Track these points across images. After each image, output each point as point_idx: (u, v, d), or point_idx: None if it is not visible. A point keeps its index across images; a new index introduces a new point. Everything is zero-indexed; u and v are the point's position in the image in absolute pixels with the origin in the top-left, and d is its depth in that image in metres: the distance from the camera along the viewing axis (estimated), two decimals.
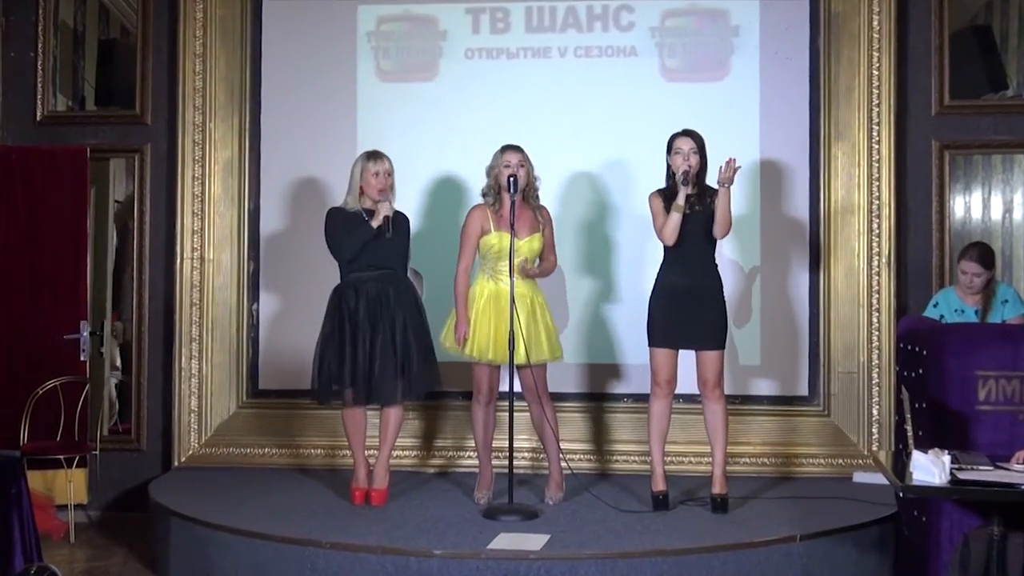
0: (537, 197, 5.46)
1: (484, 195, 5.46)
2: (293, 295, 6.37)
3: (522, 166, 5.36)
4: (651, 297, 5.38)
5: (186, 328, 6.33)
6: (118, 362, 6.78)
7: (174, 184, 6.38)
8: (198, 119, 6.35)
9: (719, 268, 5.36)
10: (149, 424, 6.44)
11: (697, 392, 5.49)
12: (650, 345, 5.35)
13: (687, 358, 5.36)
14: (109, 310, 6.72)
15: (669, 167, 5.32)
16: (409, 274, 5.54)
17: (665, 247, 5.33)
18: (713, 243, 5.33)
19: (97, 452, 6.23)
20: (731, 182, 5.16)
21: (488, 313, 5.38)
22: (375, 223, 5.33)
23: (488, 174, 5.43)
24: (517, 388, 5.41)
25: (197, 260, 6.34)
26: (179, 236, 6.34)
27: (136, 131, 6.48)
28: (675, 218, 5.24)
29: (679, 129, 5.33)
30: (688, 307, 5.25)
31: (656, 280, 5.39)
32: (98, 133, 6.50)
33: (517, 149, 5.40)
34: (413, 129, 6.31)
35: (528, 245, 5.38)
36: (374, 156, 5.42)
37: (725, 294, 5.36)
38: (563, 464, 5.54)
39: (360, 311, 5.35)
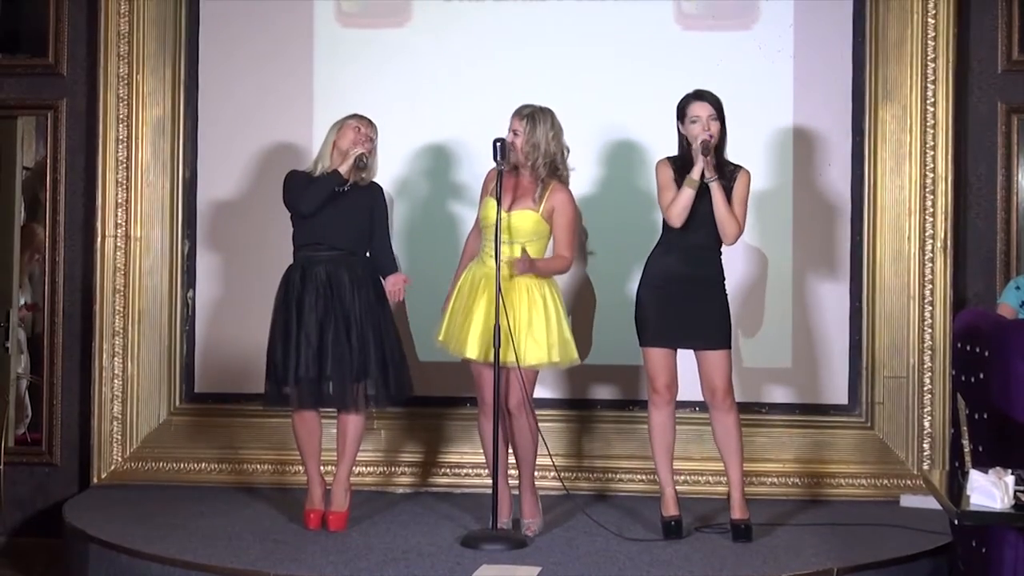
0: (554, 172, 5.36)
1: None
2: (237, 281, 6.38)
3: (517, 135, 5.34)
4: (640, 286, 5.39)
5: (108, 319, 6.32)
6: (22, 365, 6.75)
7: (94, 148, 6.37)
8: (123, 70, 6.34)
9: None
10: (63, 434, 6.44)
11: None
12: (642, 345, 5.37)
13: (687, 358, 5.37)
14: (16, 297, 6.70)
15: (682, 137, 5.33)
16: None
17: (664, 226, 5.35)
18: None
19: (1, 466, 6.21)
20: (712, 174, 5.16)
21: (462, 298, 5.39)
22: (344, 167, 5.38)
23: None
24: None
25: (121, 238, 6.34)
26: (100, 210, 6.33)
27: (49, 84, 6.47)
28: (687, 195, 5.23)
29: (690, 91, 5.31)
30: (686, 299, 5.27)
31: (648, 264, 5.39)
32: (2, 86, 6.50)
33: (518, 112, 5.37)
34: (381, 85, 6.31)
35: (514, 220, 5.33)
36: (358, 115, 5.53)
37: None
38: (560, 487, 5.53)
39: (307, 298, 5.37)
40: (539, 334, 5.32)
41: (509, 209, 5.35)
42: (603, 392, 6.30)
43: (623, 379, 6.27)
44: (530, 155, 5.35)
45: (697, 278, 5.29)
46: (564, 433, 6.17)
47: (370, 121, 5.53)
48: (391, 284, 5.50)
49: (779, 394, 6.21)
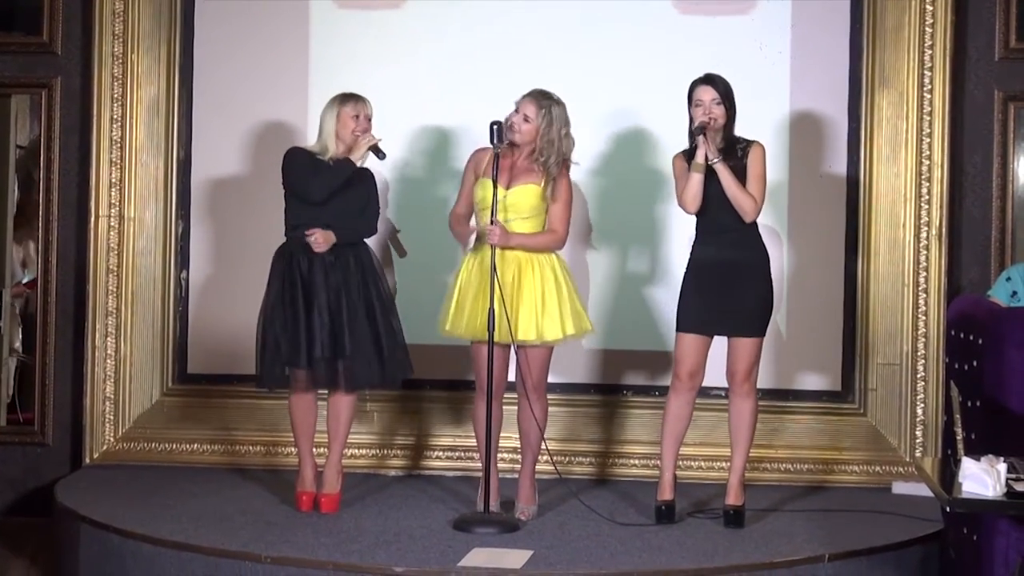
0: (557, 163, 5.31)
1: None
2: (230, 261, 6.37)
3: (527, 121, 5.30)
4: (685, 272, 5.39)
5: (101, 300, 6.31)
6: (19, 341, 6.76)
7: (88, 127, 6.35)
8: (118, 49, 6.32)
9: (763, 238, 5.36)
10: (55, 413, 6.43)
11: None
12: (677, 330, 5.36)
13: (718, 351, 5.37)
14: (9, 277, 6.70)
15: (692, 121, 5.32)
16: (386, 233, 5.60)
17: (697, 216, 5.32)
18: None
19: None
20: (715, 155, 5.17)
21: (472, 282, 5.35)
22: (356, 155, 5.37)
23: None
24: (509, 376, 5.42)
25: (115, 218, 6.33)
26: (94, 189, 6.32)
27: (43, 62, 6.44)
28: (695, 180, 5.22)
29: (700, 75, 5.30)
30: (721, 285, 5.25)
31: (690, 251, 5.39)
32: None
33: (535, 98, 5.31)
34: (377, 66, 6.30)
35: (513, 197, 5.32)
36: (351, 97, 5.46)
37: None
38: (553, 471, 5.54)
39: (317, 278, 5.35)
40: (552, 309, 5.31)
41: (508, 187, 5.32)
42: (600, 376, 6.29)
43: (620, 364, 6.26)
44: (544, 150, 5.31)
45: (732, 262, 5.27)
46: (559, 417, 6.13)
47: (365, 101, 5.48)
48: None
49: (772, 380, 6.18)
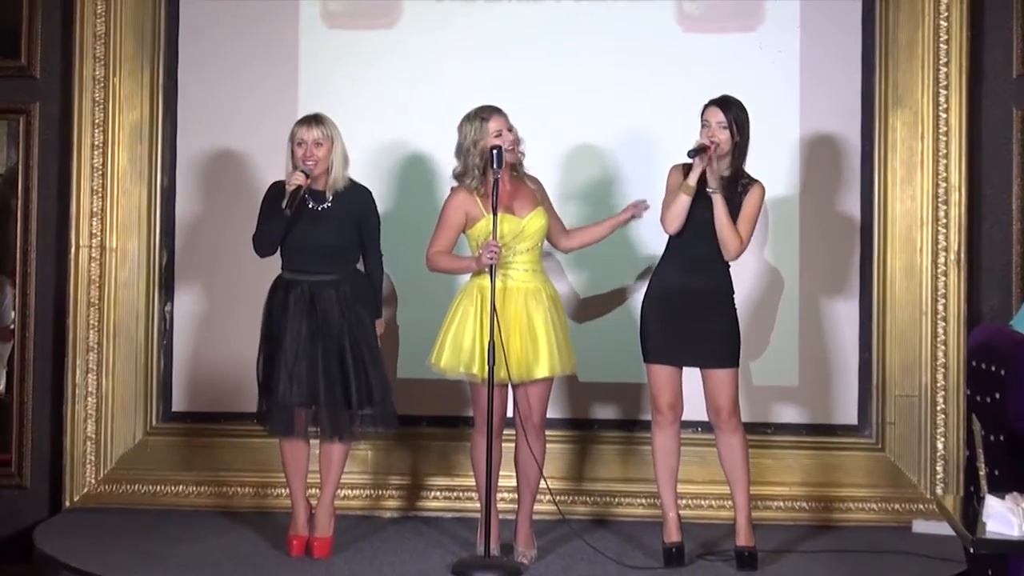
0: (522, 164, 5.44)
1: (459, 176, 5.36)
2: (216, 294, 6.37)
3: (510, 130, 5.32)
4: (644, 299, 5.38)
5: (81, 334, 6.29)
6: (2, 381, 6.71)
7: (68, 154, 6.34)
8: (99, 73, 6.33)
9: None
10: (34, 454, 6.40)
11: None
12: (645, 361, 5.35)
13: (693, 376, 5.34)
14: None
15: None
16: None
17: (669, 237, 5.31)
18: None
19: None
20: (714, 185, 5.15)
21: (475, 318, 5.27)
22: (286, 202, 5.30)
23: (468, 151, 5.30)
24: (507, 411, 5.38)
25: (96, 249, 6.32)
26: (74, 219, 6.31)
27: (21, 87, 6.43)
28: (682, 201, 5.22)
29: (718, 95, 5.29)
30: (689, 314, 5.24)
31: (653, 276, 5.40)
32: None
33: (499, 111, 5.34)
34: (369, 88, 6.31)
35: (533, 223, 5.32)
36: (303, 121, 5.41)
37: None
38: (554, 512, 5.53)
39: (290, 321, 5.31)
40: (554, 342, 5.30)
41: (521, 214, 5.32)
42: (602, 411, 6.28)
43: (624, 397, 6.24)
44: (520, 159, 5.37)
45: (700, 291, 5.26)
46: (561, 455, 6.13)
47: (314, 124, 5.36)
48: None
49: (786, 414, 6.20)
